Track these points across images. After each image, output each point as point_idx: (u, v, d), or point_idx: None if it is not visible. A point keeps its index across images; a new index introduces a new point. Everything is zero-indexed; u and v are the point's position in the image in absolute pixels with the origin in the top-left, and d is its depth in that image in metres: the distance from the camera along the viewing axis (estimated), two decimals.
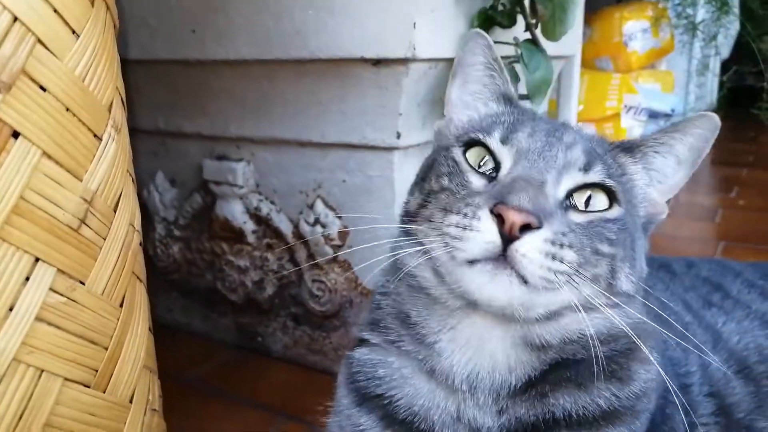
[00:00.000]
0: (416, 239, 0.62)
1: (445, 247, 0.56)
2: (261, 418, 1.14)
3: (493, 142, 0.62)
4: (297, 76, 1.13)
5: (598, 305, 0.58)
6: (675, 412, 0.71)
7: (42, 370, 0.55)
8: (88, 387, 0.60)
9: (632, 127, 2.57)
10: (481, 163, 0.63)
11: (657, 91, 2.48)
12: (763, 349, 0.84)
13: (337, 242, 1.20)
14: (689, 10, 2.39)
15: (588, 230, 0.58)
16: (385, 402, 0.64)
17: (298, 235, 1.24)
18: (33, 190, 0.52)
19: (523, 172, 0.58)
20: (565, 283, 0.55)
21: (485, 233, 0.53)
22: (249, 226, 1.29)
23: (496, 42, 1.15)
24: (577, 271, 0.55)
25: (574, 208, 0.59)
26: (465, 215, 0.55)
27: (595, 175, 0.60)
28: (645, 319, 0.63)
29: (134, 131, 1.41)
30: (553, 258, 0.53)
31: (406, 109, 1.07)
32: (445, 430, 0.62)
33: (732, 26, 2.47)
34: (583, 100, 2.26)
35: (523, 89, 1.13)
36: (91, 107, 0.56)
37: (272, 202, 1.26)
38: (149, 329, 0.72)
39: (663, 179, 0.67)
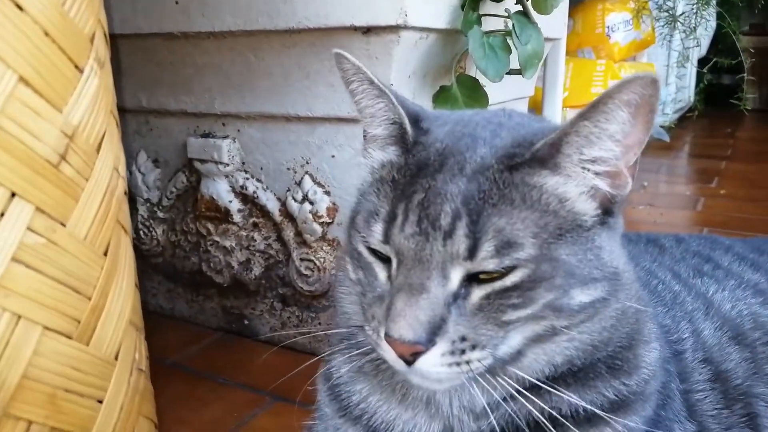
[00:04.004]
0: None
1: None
2: (248, 398, 1.10)
3: (375, 242, 0.55)
4: (284, 47, 1.11)
5: (563, 329, 0.54)
6: (670, 379, 0.69)
7: (19, 316, 0.51)
8: (70, 338, 0.56)
9: None
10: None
11: None
12: (757, 316, 0.83)
13: (325, 219, 1.17)
14: (669, 3, 2.43)
15: (497, 299, 0.52)
16: (365, 422, 0.63)
17: (286, 213, 1.21)
18: (8, 117, 0.48)
19: (403, 280, 0.52)
20: (483, 369, 0.53)
21: (389, 353, 0.53)
22: (235, 205, 1.26)
23: (487, 15, 1.15)
24: (493, 353, 0.53)
25: (475, 282, 0.52)
26: (373, 330, 0.54)
27: (483, 261, 0.51)
28: (633, 303, 0.60)
29: None
30: (458, 364, 0.52)
31: (396, 80, 1.05)
32: None
33: (712, 18, 2.51)
34: (567, 87, 2.27)
35: (515, 63, 1.12)
36: (72, 35, 0.53)
37: (259, 180, 1.23)
38: (135, 285, 0.68)
39: (606, 164, 0.54)
